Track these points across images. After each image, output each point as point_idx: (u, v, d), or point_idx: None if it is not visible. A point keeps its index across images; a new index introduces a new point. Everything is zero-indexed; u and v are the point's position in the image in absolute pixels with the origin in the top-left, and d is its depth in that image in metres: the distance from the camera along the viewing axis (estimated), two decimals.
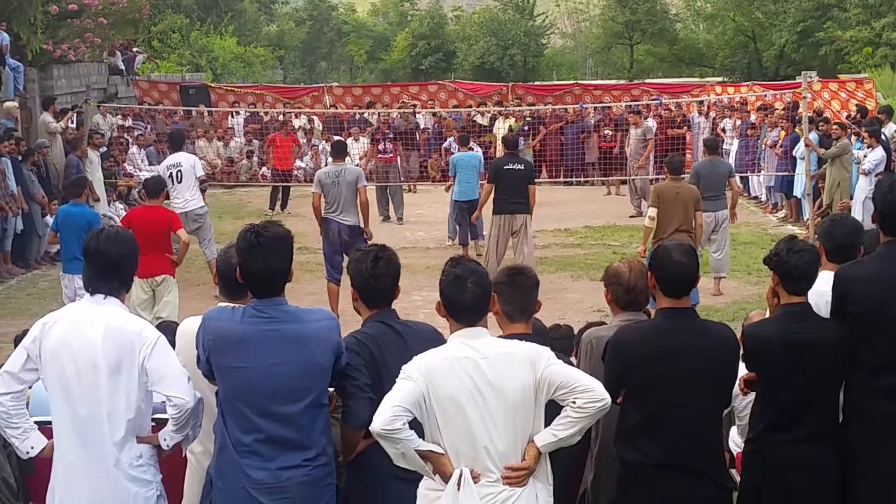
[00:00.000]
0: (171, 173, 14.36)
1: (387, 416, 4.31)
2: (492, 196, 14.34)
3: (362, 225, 12.98)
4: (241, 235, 4.85)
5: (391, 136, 22.90)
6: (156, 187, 12.01)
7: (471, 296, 4.55)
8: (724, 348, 5.03)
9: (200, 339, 4.81)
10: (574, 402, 4.42)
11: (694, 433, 4.94)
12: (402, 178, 22.68)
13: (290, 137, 23.79)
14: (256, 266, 4.76)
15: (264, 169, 24.97)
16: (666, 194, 12.45)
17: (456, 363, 4.43)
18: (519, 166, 14.18)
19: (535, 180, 15.14)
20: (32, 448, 4.98)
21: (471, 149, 18.36)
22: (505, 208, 14.12)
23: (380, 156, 22.25)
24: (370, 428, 4.38)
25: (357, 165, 16.92)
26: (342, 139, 16.88)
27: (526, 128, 25.43)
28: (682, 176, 12.98)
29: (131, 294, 11.29)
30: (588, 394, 4.42)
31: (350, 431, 4.86)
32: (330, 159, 14.90)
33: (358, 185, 12.80)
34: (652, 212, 12.54)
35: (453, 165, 16.94)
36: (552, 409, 4.52)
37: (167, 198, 12.90)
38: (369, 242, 12.31)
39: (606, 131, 25.44)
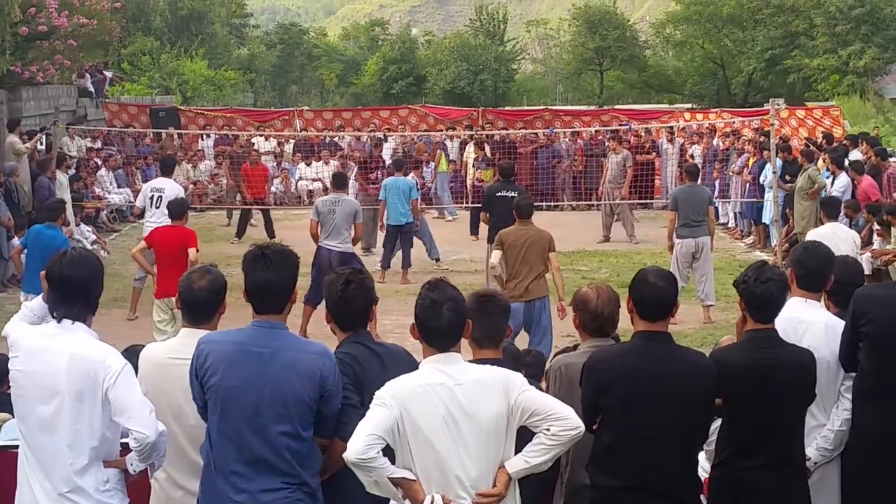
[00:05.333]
0: (152, 195, 14.38)
1: (361, 444, 4.29)
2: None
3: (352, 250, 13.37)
4: (247, 253, 4.91)
5: (383, 165, 22.67)
6: (178, 210, 12.08)
7: (446, 322, 4.54)
8: (697, 375, 5.01)
9: (194, 366, 4.78)
10: (548, 430, 4.41)
11: (664, 457, 4.93)
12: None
13: (258, 167, 23.14)
14: (259, 277, 4.78)
15: (238, 196, 24.70)
16: (513, 239, 11.19)
17: (430, 389, 4.42)
18: (512, 193, 13.75)
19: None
20: None
21: (405, 174, 18.50)
22: None
23: (372, 185, 21.17)
24: (344, 456, 4.36)
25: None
26: (343, 172, 17.25)
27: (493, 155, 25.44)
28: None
29: (152, 313, 11.77)
30: (563, 421, 4.42)
31: (342, 446, 4.71)
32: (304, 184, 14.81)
33: (356, 220, 13.40)
34: (496, 256, 11.30)
35: (384, 189, 17.32)
36: (523, 435, 4.51)
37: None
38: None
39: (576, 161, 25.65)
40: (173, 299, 11.27)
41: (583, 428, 4.48)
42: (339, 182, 14.39)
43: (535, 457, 4.44)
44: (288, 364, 4.71)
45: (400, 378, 4.52)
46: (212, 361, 4.72)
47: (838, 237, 11.62)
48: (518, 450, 4.50)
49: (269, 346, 4.74)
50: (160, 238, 11.83)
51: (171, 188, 14.49)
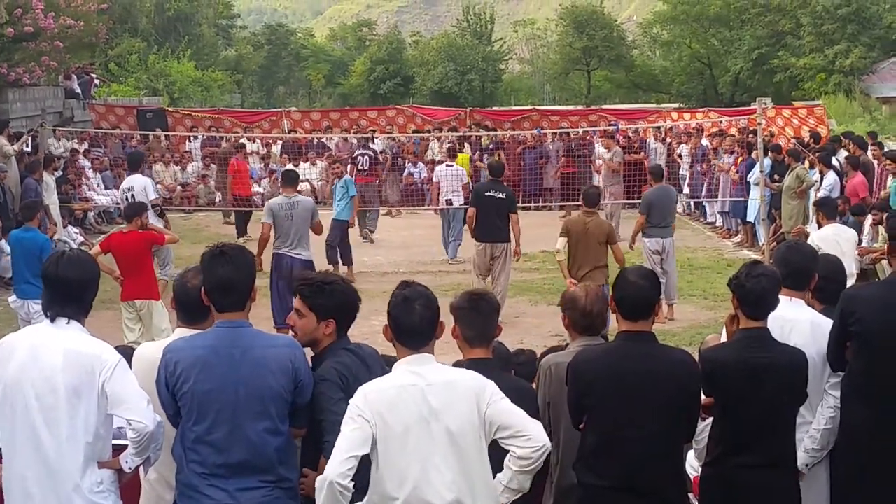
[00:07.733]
0: (126, 196, 14.37)
1: (343, 468, 4.27)
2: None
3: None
4: (204, 253, 4.90)
5: (371, 154, 22.60)
6: (130, 212, 11.91)
7: (418, 318, 4.55)
8: (680, 374, 5.02)
9: (162, 376, 4.76)
10: (514, 452, 4.45)
11: (648, 456, 4.94)
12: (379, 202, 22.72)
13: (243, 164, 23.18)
14: (220, 274, 4.78)
15: (218, 196, 24.73)
16: (574, 228, 11.98)
17: (403, 392, 4.42)
18: (500, 195, 13.75)
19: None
20: None
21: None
22: (485, 237, 13.78)
23: (358, 175, 21.38)
24: (322, 476, 4.32)
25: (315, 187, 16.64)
26: (293, 168, 16.81)
27: (492, 147, 25.58)
28: (598, 210, 12.41)
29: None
30: (527, 440, 4.44)
31: None
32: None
33: (313, 219, 12.50)
34: (560, 242, 12.07)
35: (345, 186, 17.09)
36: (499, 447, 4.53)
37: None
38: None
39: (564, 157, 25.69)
40: (137, 301, 11.35)
41: (548, 444, 4.49)
42: (290, 179, 12.95)
43: (512, 486, 4.50)
44: (260, 361, 4.73)
45: (372, 382, 4.52)
46: (183, 368, 4.71)
47: (840, 237, 11.65)
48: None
49: (237, 345, 4.75)
50: (116, 244, 11.50)
51: (139, 184, 14.49)
